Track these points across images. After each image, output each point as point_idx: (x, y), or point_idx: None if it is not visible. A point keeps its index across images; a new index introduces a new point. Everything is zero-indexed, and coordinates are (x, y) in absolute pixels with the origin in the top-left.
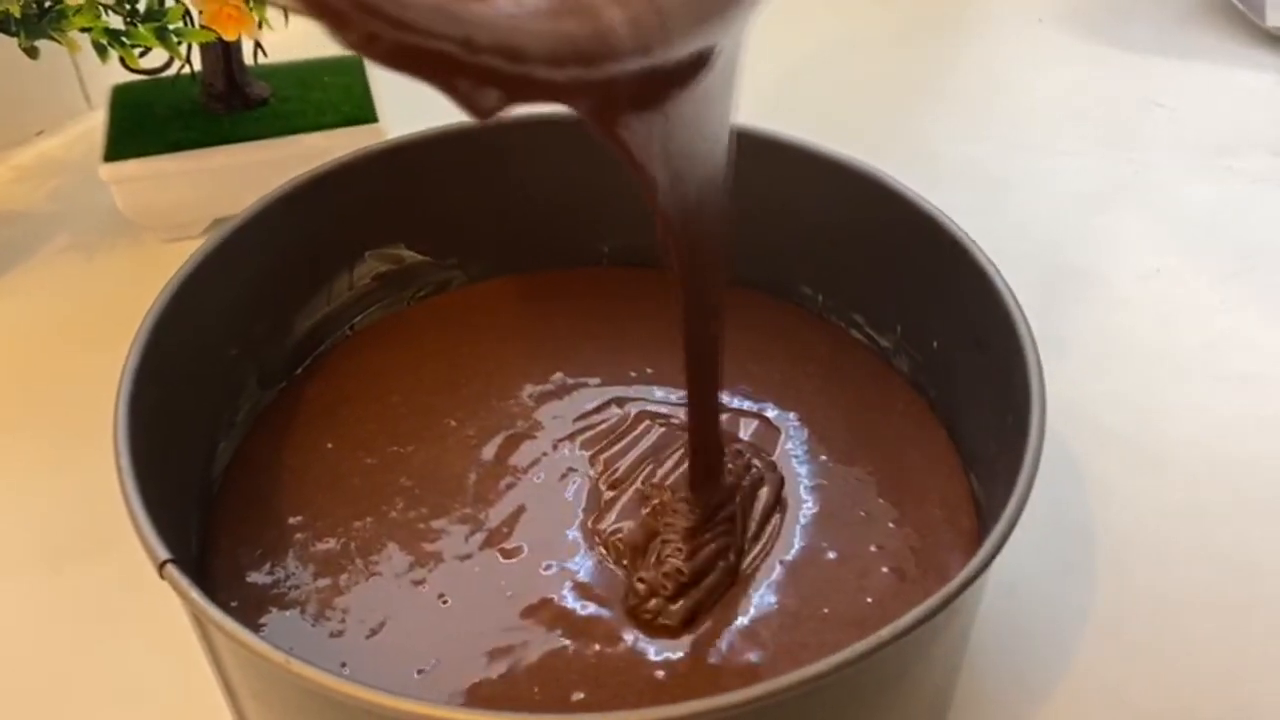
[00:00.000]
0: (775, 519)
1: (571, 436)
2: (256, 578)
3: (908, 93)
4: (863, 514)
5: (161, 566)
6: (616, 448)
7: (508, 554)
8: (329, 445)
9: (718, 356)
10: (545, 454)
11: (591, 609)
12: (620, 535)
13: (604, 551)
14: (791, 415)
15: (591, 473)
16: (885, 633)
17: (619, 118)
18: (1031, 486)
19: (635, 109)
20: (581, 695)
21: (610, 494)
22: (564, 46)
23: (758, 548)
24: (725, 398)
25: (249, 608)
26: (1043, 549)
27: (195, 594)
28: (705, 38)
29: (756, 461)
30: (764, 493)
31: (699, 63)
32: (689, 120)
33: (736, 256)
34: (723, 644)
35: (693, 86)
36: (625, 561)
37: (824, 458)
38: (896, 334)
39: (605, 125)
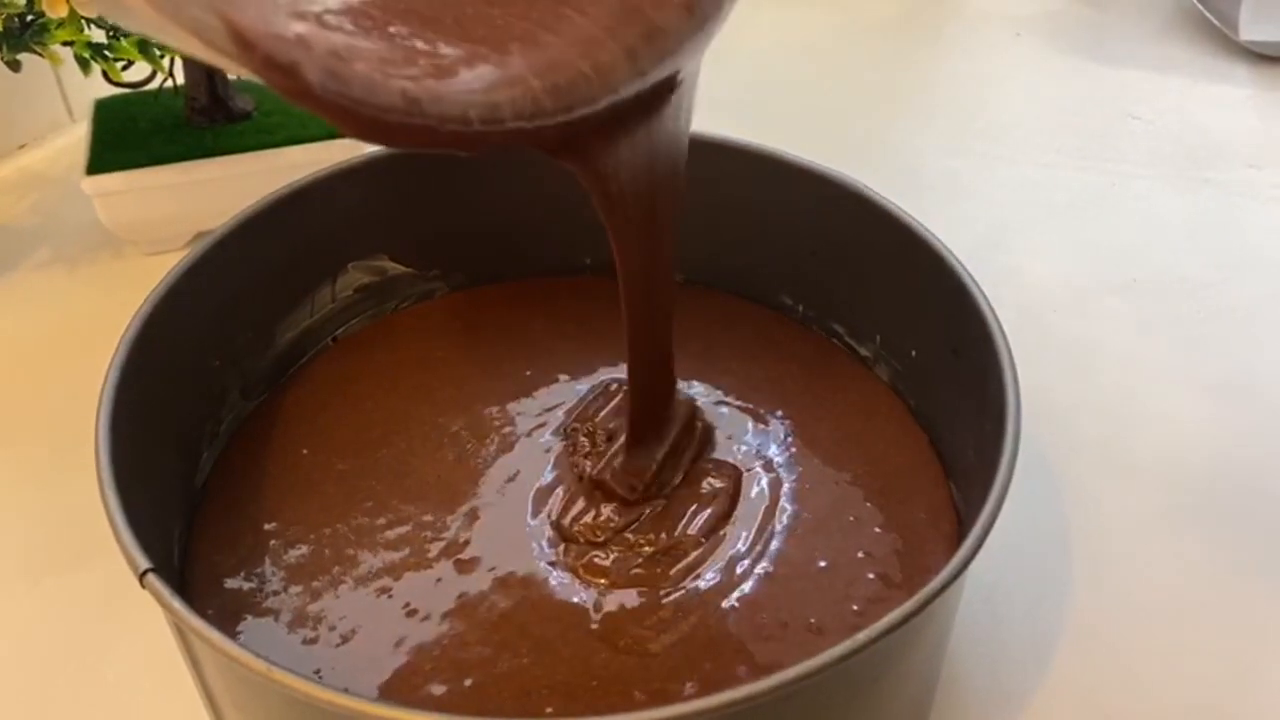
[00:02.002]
0: (770, 525)
1: (531, 432)
2: (233, 585)
3: (888, 106)
4: (851, 518)
5: (143, 576)
6: (578, 426)
7: (468, 564)
8: (305, 452)
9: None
10: (508, 453)
11: (557, 626)
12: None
13: (562, 558)
14: (778, 413)
15: (550, 470)
16: (862, 637)
17: (590, 149)
18: (1006, 494)
19: (603, 139)
20: (552, 710)
21: (565, 490)
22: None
23: (751, 554)
24: (710, 391)
25: (226, 615)
26: (1020, 555)
27: (177, 603)
28: (660, 73)
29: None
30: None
31: (661, 92)
32: (651, 142)
33: (718, 266)
34: (704, 660)
35: (653, 115)
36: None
37: (814, 459)
38: (876, 343)
39: (579, 157)
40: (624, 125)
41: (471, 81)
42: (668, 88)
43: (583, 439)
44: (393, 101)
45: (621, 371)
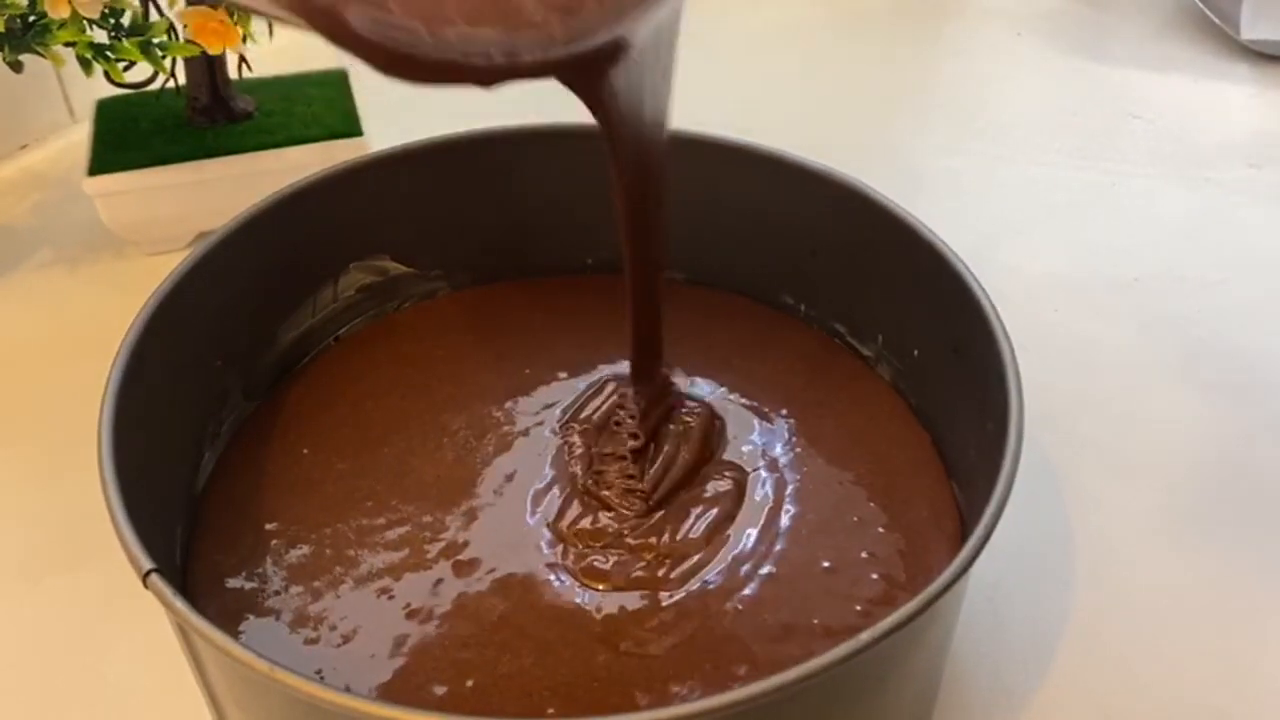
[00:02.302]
0: (774, 526)
1: (529, 431)
2: (235, 584)
3: (889, 106)
4: (855, 519)
5: (145, 576)
6: (574, 425)
7: (467, 565)
8: (305, 451)
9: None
10: (507, 452)
11: (557, 627)
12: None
13: (562, 560)
14: (782, 411)
15: (548, 469)
16: (865, 637)
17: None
18: (1009, 494)
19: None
20: (553, 711)
21: (561, 491)
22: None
23: (755, 555)
24: (714, 389)
25: (228, 615)
26: (1021, 555)
27: (180, 604)
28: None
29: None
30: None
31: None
32: (639, 77)
33: (720, 265)
34: (706, 662)
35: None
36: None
37: (818, 459)
38: (878, 343)
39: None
40: (626, 55)
41: (493, 20)
42: (650, 32)
43: (576, 439)
44: (424, 38)
45: (620, 369)
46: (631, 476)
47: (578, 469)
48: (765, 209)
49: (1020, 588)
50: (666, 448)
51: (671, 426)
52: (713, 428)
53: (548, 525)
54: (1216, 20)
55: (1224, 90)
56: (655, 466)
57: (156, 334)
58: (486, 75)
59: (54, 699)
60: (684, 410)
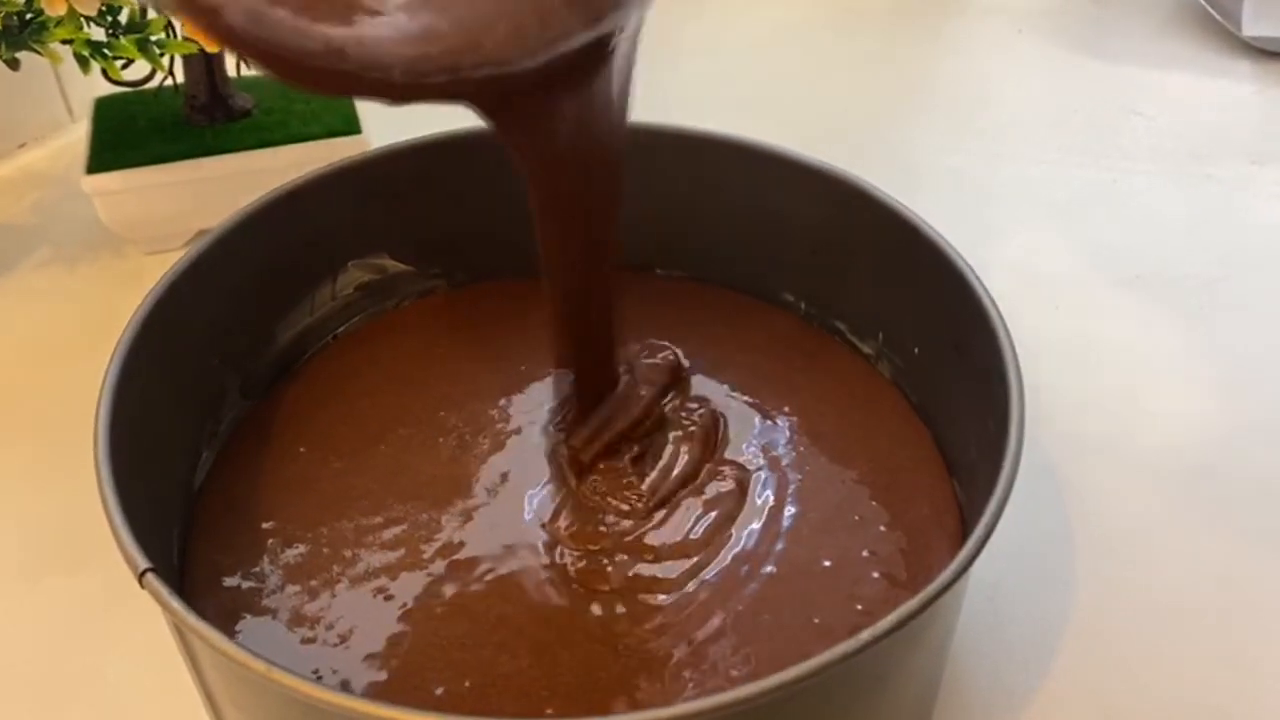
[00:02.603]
0: (776, 526)
1: (523, 429)
2: (232, 584)
3: (890, 103)
4: (856, 518)
5: (142, 575)
6: (567, 425)
7: (464, 565)
8: (301, 449)
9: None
10: (502, 451)
11: (555, 628)
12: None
13: (561, 560)
14: (784, 409)
15: (544, 468)
16: (865, 636)
17: (525, 110)
18: (1010, 493)
19: (538, 102)
20: (552, 711)
21: (557, 490)
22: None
23: (756, 555)
24: (716, 388)
25: (225, 615)
26: (1022, 554)
27: (176, 603)
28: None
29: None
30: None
31: (596, 56)
32: (589, 112)
33: (719, 263)
34: (705, 662)
35: (590, 81)
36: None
37: (819, 458)
38: (878, 341)
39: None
40: (561, 87)
41: (400, 33)
42: (602, 53)
43: (565, 446)
44: (314, 48)
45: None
46: (630, 482)
47: (570, 469)
48: (765, 207)
49: (1020, 588)
50: (668, 449)
51: (672, 433)
52: (715, 427)
53: (544, 525)
54: (1218, 17)
55: (1225, 87)
56: (655, 472)
57: (154, 332)
58: (390, 92)
59: (54, 699)
60: (684, 413)
